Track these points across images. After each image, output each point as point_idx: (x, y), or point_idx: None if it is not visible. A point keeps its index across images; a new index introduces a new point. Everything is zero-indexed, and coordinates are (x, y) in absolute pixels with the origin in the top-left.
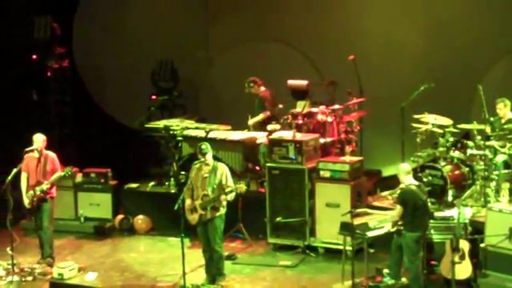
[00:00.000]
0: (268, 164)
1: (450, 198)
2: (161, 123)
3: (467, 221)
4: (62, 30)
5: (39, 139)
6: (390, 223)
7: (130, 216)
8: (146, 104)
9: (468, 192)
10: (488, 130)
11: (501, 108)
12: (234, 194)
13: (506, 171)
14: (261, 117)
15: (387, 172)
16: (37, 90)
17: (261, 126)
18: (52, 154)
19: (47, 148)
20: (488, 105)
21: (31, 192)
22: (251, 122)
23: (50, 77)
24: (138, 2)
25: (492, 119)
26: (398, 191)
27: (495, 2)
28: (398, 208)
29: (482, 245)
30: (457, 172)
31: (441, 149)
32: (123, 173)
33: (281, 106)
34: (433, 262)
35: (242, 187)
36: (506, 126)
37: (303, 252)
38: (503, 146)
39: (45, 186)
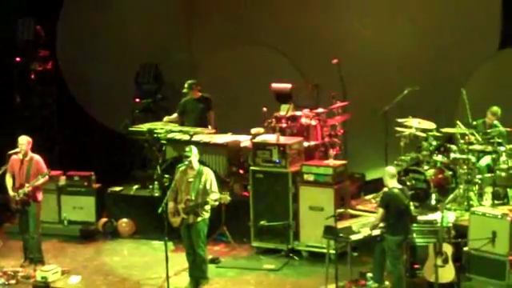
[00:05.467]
0: (252, 167)
1: (433, 202)
2: (145, 126)
3: (450, 224)
4: (45, 33)
5: (23, 141)
6: (369, 227)
7: (114, 219)
8: (130, 107)
9: (451, 196)
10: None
11: (490, 117)
12: (217, 202)
13: (489, 175)
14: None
15: (371, 176)
16: (20, 92)
17: None
18: (37, 157)
19: (31, 150)
20: (471, 109)
21: (15, 194)
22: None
23: (34, 79)
24: (121, 4)
25: (475, 123)
26: (381, 194)
27: (478, 5)
28: (381, 211)
29: (465, 248)
30: (440, 176)
31: (424, 153)
32: (107, 176)
33: (265, 109)
34: (416, 266)
35: (226, 198)
36: (489, 130)
37: (287, 255)
38: None
39: (26, 189)
